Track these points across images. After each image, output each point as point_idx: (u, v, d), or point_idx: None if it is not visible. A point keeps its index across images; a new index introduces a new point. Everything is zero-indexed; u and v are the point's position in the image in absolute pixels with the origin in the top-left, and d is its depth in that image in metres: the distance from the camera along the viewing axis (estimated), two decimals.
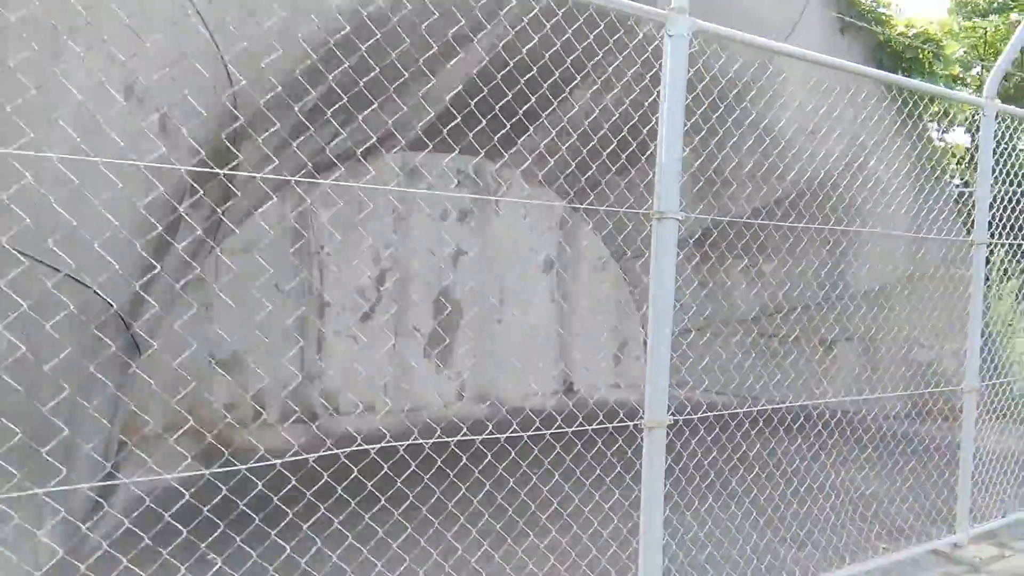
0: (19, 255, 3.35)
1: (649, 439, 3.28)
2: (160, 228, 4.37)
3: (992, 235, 4.89)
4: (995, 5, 9.00)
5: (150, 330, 6.12)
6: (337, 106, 5.41)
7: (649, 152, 8.00)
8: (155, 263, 4.53)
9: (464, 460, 4.30)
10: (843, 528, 4.85)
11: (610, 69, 6.86)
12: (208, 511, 3.31)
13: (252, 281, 6.65)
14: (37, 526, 3.76)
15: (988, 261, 8.56)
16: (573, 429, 3.39)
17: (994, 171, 4.71)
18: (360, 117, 6.35)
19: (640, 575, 3.24)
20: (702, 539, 4.56)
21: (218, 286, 6.68)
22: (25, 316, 3.29)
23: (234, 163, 4.82)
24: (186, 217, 4.96)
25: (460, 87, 6.65)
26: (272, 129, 5.39)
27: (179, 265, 5.86)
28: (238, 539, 3.51)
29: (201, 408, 6.56)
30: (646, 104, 5.84)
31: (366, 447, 2.98)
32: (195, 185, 4.86)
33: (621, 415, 7.55)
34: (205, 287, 6.64)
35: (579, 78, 7.45)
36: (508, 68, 4.47)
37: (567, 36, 4.01)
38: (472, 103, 4.43)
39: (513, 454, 5.08)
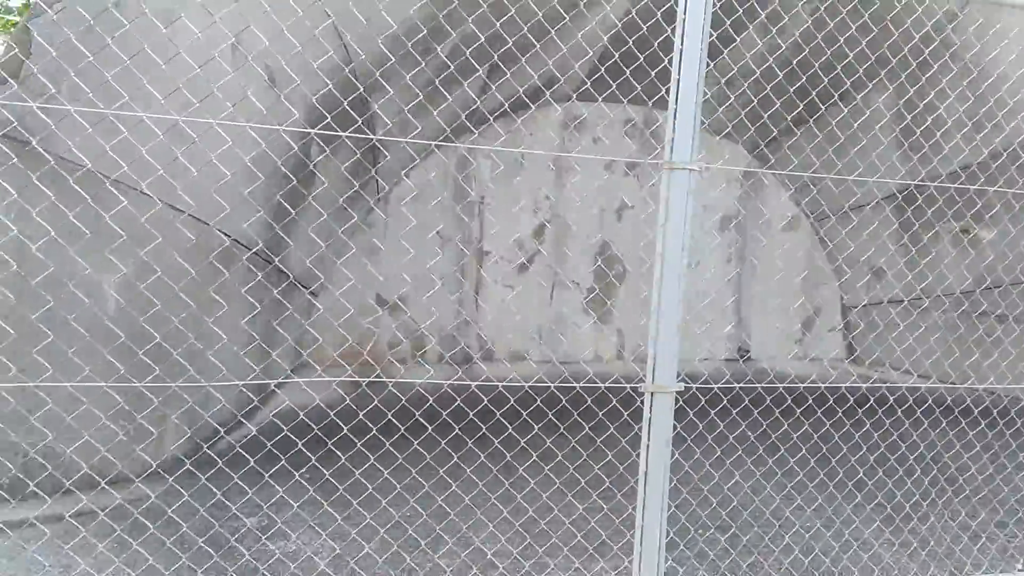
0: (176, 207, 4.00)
1: (652, 405, 3.08)
2: (292, 178, 4.91)
3: None
4: None
5: (324, 270, 6.91)
6: (487, 60, 5.58)
7: (830, 103, 7.14)
8: (291, 208, 5.11)
9: (586, 416, 4.35)
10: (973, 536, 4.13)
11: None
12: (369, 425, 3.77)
13: (417, 229, 7.17)
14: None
15: None
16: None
17: None
18: (510, 71, 6.46)
19: None
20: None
21: (384, 232, 7.27)
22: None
23: (362, 120, 5.22)
24: (316, 171, 5.48)
25: (607, 35, 6.45)
26: (409, 77, 5.70)
27: (338, 212, 6.51)
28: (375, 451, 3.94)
29: (366, 342, 7.26)
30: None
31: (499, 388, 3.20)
32: (321, 144, 5.35)
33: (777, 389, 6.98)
34: (372, 232, 7.27)
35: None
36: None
37: None
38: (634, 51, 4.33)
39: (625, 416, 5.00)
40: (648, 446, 3.09)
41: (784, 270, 8.43)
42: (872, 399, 6.68)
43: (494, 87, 6.69)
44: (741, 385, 3.60)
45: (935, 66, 6.48)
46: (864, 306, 8.55)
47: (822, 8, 6.44)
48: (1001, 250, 7.10)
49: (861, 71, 7.26)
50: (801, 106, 7.04)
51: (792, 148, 8.00)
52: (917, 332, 7.89)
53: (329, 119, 3.41)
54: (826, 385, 4.12)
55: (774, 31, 6.76)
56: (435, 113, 6.23)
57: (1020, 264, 7.04)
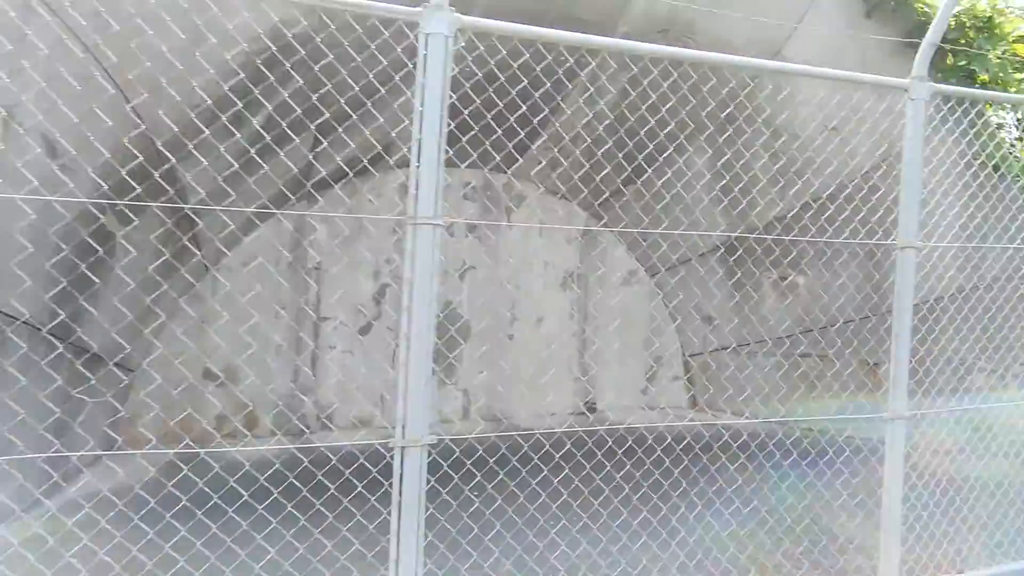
0: None
1: (403, 461, 3.06)
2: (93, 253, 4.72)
3: None
4: None
5: (144, 344, 6.63)
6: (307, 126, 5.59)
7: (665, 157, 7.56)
8: (95, 278, 4.90)
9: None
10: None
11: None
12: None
13: (251, 298, 6.99)
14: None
15: None
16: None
17: None
18: (329, 139, 6.52)
19: None
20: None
21: (215, 302, 7.07)
22: None
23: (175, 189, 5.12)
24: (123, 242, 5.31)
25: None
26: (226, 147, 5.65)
27: (152, 284, 6.31)
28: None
29: (192, 420, 6.95)
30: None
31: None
32: (126, 213, 5.20)
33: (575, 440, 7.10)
34: (202, 303, 7.06)
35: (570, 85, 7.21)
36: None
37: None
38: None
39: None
40: (400, 503, 3.05)
41: (625, 323, 8.71)
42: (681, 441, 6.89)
43: (310, 155, 6.73)
44: (496, 434, 3.64)
45: (741, 128, 6.98)
46: (700, 354, 8.91)
47: (636, 70, 6.87)
48: (816, 293, 7.60)
49: (682, 136, 7.76)
50: (629, 168, 7.40)
51: (623, 207, 8.37)
52: (745, 373, 8.27)
53: (138, 189, 3.32)
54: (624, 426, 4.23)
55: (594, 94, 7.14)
56: (251, 181, 6.17)
57: (834, 305, 7.52)
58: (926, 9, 6.35)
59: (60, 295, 4.85)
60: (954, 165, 6.98)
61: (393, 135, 7.00)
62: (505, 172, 8.20)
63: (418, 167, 3.10)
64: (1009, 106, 6.74)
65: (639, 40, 5.84)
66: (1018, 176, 6.78)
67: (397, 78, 6.09)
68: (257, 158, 6.00)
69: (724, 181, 7.55)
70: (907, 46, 6.50)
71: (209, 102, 4.92)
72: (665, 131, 7.12)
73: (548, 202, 8.37)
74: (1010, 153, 6.92)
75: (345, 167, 7.16)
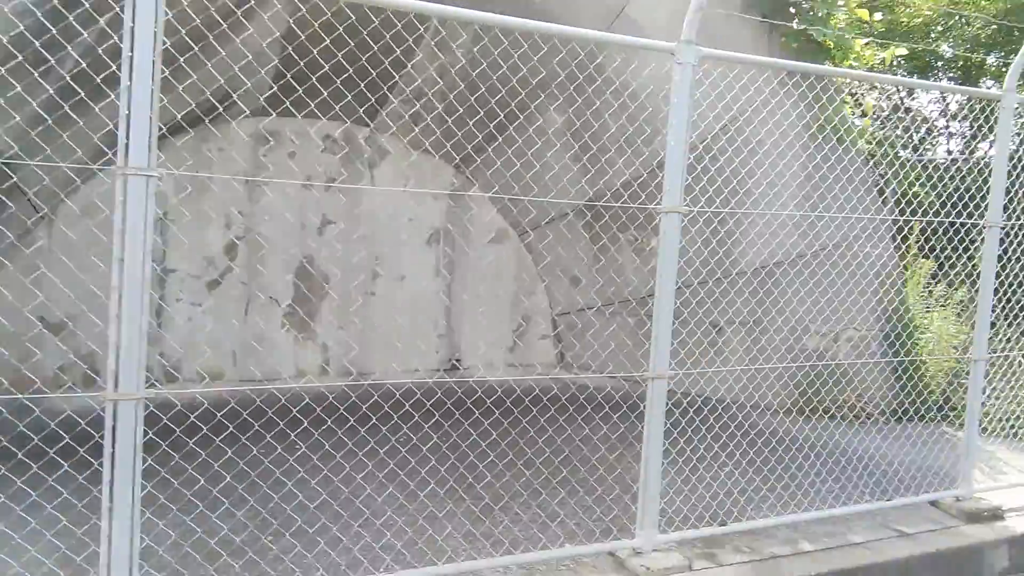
0: None
1: (116, 414, 3.02)
2: None
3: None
4: None
5: None
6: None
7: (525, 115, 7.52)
8: None
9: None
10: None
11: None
12: None
13: (87, 249, 6.76)
14: None
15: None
16: None
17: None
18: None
19: None
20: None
21: (55, 250, 6.84)
22: None
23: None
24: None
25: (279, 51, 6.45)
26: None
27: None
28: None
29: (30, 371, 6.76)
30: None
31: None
32: None
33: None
34: (40, 252, 6.82)
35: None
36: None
37: None
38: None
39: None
40: (113, 455, 3.02)
41: (493, 282, 8.74)
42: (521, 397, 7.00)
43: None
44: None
45: (592, 91, 6.96)
46: (567, 313, 9.03)
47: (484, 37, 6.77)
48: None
49: (543, 95, 7.70)
50: (491, 125, 7.33)
51: (486, 164, 8.33)
52: (608, 332, 8.42)
53: None
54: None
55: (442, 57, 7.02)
56: (65, 136, 5.92)
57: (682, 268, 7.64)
58: None
59: None
60: (798, 137, 7.13)
61: (226, 88, 6.79)
62: (368, 125, 8.06)
63: (128, 115, 3.01)
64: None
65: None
66: (855, 144, 6.96)
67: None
68: (71, 113, 5.76)
69: (580, 143, 7.57)
70: (749, 7, 6.55)
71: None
72: (524, 92, 7.09)
73: (413, 157, 8.28)
74: (852, 123, 7.09)
75: (174, 122, 6.93)
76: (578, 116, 7.39)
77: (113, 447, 3.02)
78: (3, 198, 6.23)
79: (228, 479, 4.11)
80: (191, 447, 4.78)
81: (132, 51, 3.00)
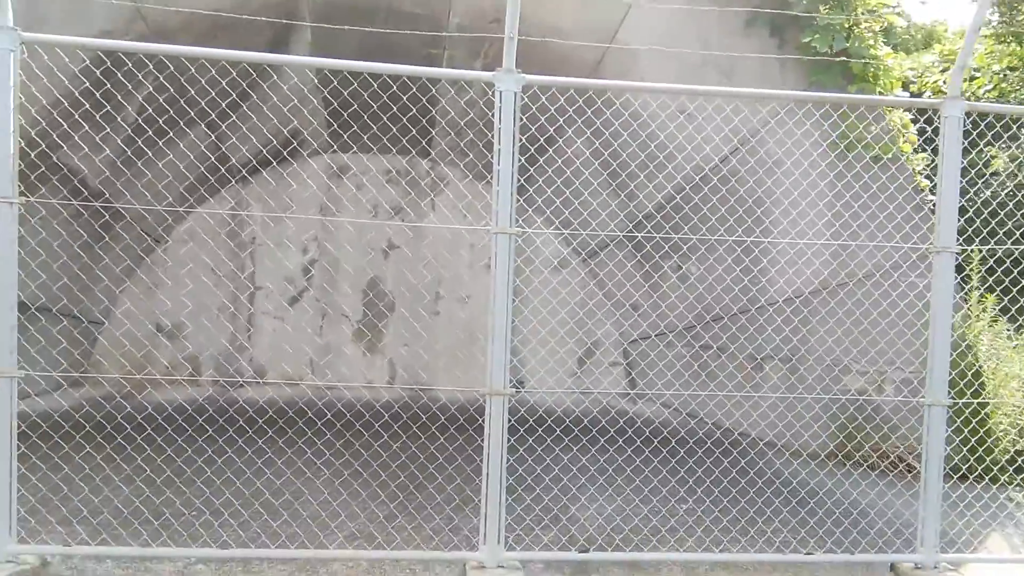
0: None
1: (491, 405, 3.95)
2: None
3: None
4: None
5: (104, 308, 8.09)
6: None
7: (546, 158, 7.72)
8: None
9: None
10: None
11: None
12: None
13: (194, 266, 8.24)
14: None
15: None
16: None
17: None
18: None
19: None
20: None
21: (163, 271, 8.40)
22: None
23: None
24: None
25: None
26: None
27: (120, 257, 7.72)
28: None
29: (145, 364, 8.33)
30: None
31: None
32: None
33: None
34: (152, 271, 8.41)
35: None
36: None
37: None
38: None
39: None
40: (489, 436, 3.97)
41: (555, 306, 8.92)
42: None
43: (224, 147, 7.72)
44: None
45: (611, 119, 7.00)
46: (630, 341, 8.88)
47: None
48: (709, 286, 7.40)
49: (571, 128, 7.83)
50: (532, 149, 7.68)
51: (538, 192, 8.54)
52: (664, 362, 8.19)
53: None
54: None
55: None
56: (161, 164, 7.30)
57: (717, 297, 7.29)
58: None
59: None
60: (823, 156, 6.51)
61: (299, 127, 7.86)
62: (427, 157, 8.73)
63: (498, 190, 3.95)
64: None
65: (471, 31, 6.23)
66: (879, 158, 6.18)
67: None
68: (156, 142, 7.12)
69: (608, 171, 7.56)
70: (748, 24, 6.18)
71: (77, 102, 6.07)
72: (553, 127, 7.31)
73: (471, 187, 8.78)
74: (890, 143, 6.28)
75: (258, 157, 8.12)
76: (605, 143, 7.41)
77: (489, 430, 3.97)
78: (119, 229, 7.81)
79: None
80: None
81: (499, 143, 3.90)
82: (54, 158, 6.39)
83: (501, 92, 4.10)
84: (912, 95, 8.07)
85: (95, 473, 5.04)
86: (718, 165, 6.62)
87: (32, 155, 5.22)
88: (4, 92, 3.95)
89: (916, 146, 6.28)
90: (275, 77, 7.14)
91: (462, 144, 8.32)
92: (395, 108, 6.87)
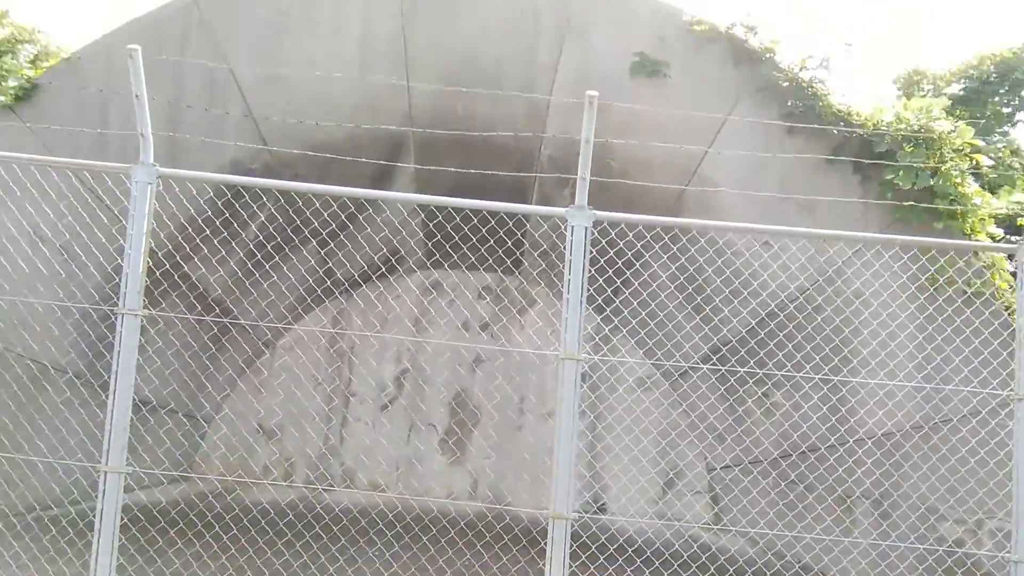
0: None
1: (552, 528, 4.12)
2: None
3: None
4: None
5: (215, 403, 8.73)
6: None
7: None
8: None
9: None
10: None
11: None
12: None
13: (297, 371, 8.82)
14: None
15: None
16: None
17: None
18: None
19: None
20: None
21: (269, 375, 8.98)
22: None
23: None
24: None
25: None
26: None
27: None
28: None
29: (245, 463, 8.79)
30: None
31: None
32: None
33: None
34: (259, 373, 9.00)
35: None
36: None
37: None
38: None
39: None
40: (550, 559, 4.03)
41: (639, 428, 8.85)
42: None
43: (330, 262, 8.35)
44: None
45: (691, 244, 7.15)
46: (716, 469, 8.64)
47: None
48: (792, 417, 7.22)
49: (651, 250, 8.02)
50: (610, 271, 7.93)
51: (631, 313, 8.68)
52: (749, 497, 7.91)
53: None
54: None
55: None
56: (275, 278, 7.97)
57: (805, 431, 7.07)
58: (852, 127, 6.07)
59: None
60: (912, 299, 6.39)
61: (397, 245, 8.44)
62: (514, 274, 9.09)
63: (567, 318, 4.31)
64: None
65: (561, 162, 6.68)
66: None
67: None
68: (273, 256, 7.82)
69: (692, 297, 7.64)
70: (828, 162, 6.28)
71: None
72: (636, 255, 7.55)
73: (559, 305, 9.02)
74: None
75: (360, 272, 8.72)
76: (688, 275, 7.53)
77: (550, 553, 4.10)
78: (235, 334, 8.49)
79: None
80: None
81: (570, 274, 4.34)
82: (179, 272, 7.12)
83: (573, 227, 4.38)
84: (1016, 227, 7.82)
85: (185, 568, 5.35)
86: (801, 299, 6.59)
87: (158, 272, 5.86)
88: (140, 219, 4.58)
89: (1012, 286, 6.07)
90: (379, 201, 7.75)
91: (547, 264, 8.63)
92: (484, 231, 7.32)
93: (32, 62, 7.00)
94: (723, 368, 7.18)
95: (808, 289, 6.59)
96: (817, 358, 6.52)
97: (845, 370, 6.69)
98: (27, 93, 6.29)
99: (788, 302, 6.87)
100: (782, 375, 6.53)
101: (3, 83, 6.55)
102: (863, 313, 6.08)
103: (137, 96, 4.70)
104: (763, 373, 6.86)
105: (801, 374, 6.49)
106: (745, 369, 6.81)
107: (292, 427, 8.87)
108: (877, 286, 5.78)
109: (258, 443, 8.92)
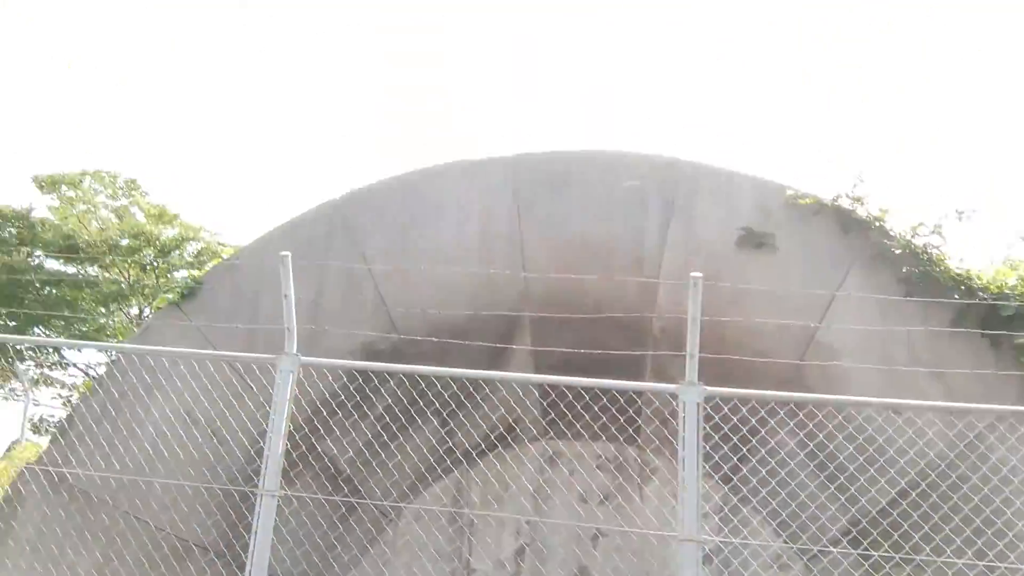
0: None
1: None
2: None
3: None
4: None
5: None
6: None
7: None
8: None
9: None
10: None
11: None
12: None
13: (420, 547, 8.91)
14: None
15: None
16: None
17: None
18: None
19: None
20: None
21: (394, 548, 9.08)
22: None
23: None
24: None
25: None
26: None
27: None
28: None
29: None
30: None
31: None
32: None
33: None
34: (383, 548, 9.11)
35: None
36: None
37: None
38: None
39: None
40: None
41: None
42: None
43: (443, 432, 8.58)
44: None
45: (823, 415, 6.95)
46: None
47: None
48: None
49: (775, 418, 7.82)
50: (735, 438, 7.78)
51: (761, 483, 8.34)
52: None
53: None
54: None
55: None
56: (402, 452, 8.26)
57: None
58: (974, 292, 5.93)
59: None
60: None
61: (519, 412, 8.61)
62: (635, 443, 8.97)
63: (684, 496, 4.52)
64: None
65: (673, 334, 6.85)
66: None
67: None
68: (398, 434, 8.17)
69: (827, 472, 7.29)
70: (955, 324, 6.08)
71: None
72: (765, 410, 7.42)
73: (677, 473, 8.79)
74: None
75: (483, 440, 8.88)
76: (820, 447, 7.26)
77: None
78: (356, 505, 8.74)
79: None
80: None
81: (683, 458, 4.59)
82: (313, 452, 7.53)
83: (684, 403, 4.45)
84: None
85: None
86: (943, 467, 6.20)
87: (295, 454, 6.26)
88: (281, 404, 5.01)
89: None
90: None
91: (669, 431, 8.52)
92: (605, 399, 7.41)
93: (196, 256, 8.12)
94: (855, 552, 6.69)
95: (949, 457, 6.19)
96: (960, 539, 6.02)
97: (991, 554, 6.11)
98: (192, 291, 7.16)
99: (928, 471, 6.47)
100: (921, 559, 6.01)
101: (170, 277, 7.56)
102: (1006, 488, 5.61)
103: (286, 296, 5.29)
104: (901, 556, 6.36)
105: (942, 559, 5.99)
106: (879, 553, 6.33)
107: None
108: (1019, 457, 5.38)
109: None
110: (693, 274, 4.66)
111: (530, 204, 7.14)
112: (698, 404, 4.54)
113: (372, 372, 7.06)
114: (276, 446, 5.36)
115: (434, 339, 6.83)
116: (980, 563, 5.36)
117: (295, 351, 5.34)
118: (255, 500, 5.50)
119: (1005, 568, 5.72)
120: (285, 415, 5.32)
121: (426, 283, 7.12)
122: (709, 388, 4.55)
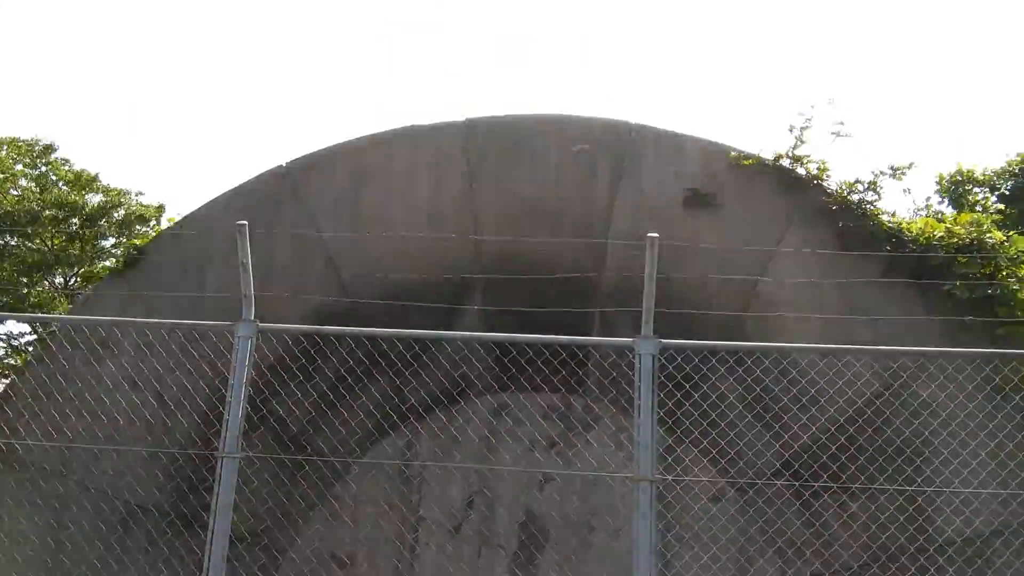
0: None
1: None
2: None
3: None
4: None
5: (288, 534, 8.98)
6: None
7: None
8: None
9: None
10: None
11: None
12: None
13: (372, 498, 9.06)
14: None
15: None
16: None
17: None
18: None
19: None
20: None
21: (340, 504, 9.22)
22: None
23: None
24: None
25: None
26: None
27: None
28: None
29: None
30: None
31: None
32: None
33: None
34: (333, 502, 9.24)
35: None
36: None
37: None
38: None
39: None
40: None
41: (712, 545, 8.77)
42: None
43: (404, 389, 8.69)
44: None
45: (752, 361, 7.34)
46: None
47: None
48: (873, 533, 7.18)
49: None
50: (670, 385, 8.12)
51: (694, 424, 8.74)
52: None
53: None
54: None
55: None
56: (351, 409, 8.34)
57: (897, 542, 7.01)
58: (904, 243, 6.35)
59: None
60: (988, 398, 6.47)
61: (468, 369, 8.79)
62: (577, 392, 9.29)
63: (639, 441, 4.65)
64: None
65: (624, 290, 7.04)
66: None
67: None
68: (346, 393, 8.22)
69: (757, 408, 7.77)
70: (886, 274, 6.52)
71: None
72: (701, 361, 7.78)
73: (618, 420, 9.17)
74: None
75: (432, 397, 9.06)
76: (754, 384, 7.69)
77: None
78: (305, 464, 8.82)
79: None
80: None
81: (639, 398, 4.65)
82: (261, 413, 7.54)
83: (640, 355, 4.69)
84: None
85: None
86: (880, 407, 6.69)
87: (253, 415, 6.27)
88: (241, 370, 5.03)
89: None
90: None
91: (609, 382, 8.83)
92: (548, 353, 7.65)
93: (121, 223, 7.86)
94: (796, 483, 7.23)
95: (885, 395, 6.70)
96: (891, 468, 6.59)
97: (919, 480, 6.72)
98: (134, 260, 6.97)
99: (866, 408, 6.99)
100: (857, 487, 6.57)
101: (99, 244, 7.35)
102: (934, 421, 6.16)
103: (243, 263, 5.25)
104: (837, 487, 6.91)
105: (875, 485, 6.55)
106: (820, 483, 6.86)
107: (362, 555, 8.99)
108: (945, 395, 5.90)
109: (330, 573, 9.05)
110: (650, 235, 4.87)
111: (481, 169, 7.18)
112: (653, 356, 4.78)
113: (325, 335, 7.08)
114: (236, 410, 5.41)
115: (387, 301, 6.87)
116: (909, 488, 5.90)
117: (253, 318, 5.34)
118: (216, 463, 5.55)
119: (931, 491, 6.31)
120: (245, 380, 5.35)
121: (377, 247, 7.12)
122: (664, 340, 4.79)
